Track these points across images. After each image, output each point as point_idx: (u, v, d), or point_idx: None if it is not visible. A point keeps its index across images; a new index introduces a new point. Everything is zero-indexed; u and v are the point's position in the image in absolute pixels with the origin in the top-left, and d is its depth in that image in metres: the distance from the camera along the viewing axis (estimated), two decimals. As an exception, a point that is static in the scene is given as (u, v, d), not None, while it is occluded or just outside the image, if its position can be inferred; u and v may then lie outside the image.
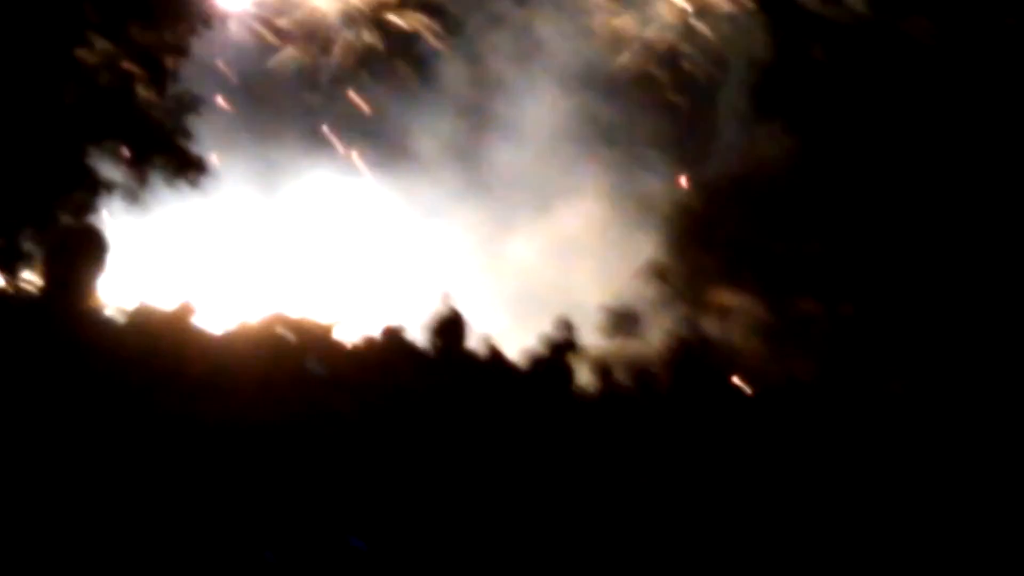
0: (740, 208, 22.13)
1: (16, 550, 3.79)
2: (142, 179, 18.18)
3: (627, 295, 38.60)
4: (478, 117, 41.37)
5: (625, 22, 41.34)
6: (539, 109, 40.01)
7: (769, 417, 12.98)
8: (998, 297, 14.66)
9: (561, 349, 15.17)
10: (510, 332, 16.41)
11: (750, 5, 15.49)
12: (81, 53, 17.47)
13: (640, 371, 14.37)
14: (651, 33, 41.98)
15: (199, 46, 19.51)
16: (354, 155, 40.37)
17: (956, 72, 14.57)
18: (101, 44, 17.52)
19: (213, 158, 19.74)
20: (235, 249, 22.99)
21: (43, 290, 4.26)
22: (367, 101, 42.23)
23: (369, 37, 41.49)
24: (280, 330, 12.43)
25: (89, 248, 4.33)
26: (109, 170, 18.25)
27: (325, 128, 41.08)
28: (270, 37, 40.38)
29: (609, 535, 8.82)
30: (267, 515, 6.47)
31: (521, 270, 36.77)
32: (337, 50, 41.97)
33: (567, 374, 15.07)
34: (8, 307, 4.37)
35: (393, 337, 14.69)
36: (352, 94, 41.43)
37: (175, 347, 11.70)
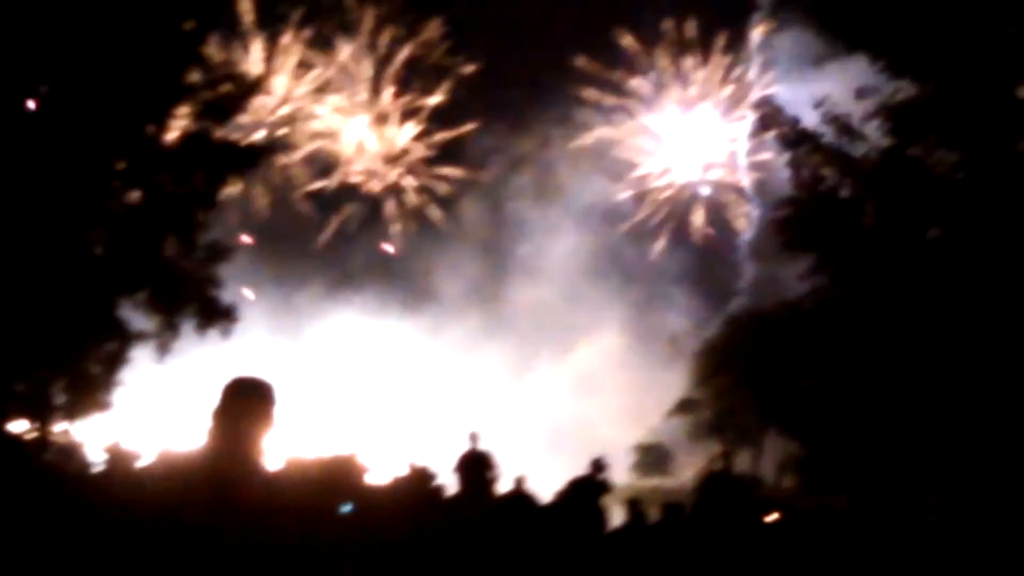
0: (768, 344, 22.21)
1: None
2: (172, 329, 18.32)
3: (658, 431, 38.49)
4: (501, 256, 42.04)
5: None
6: (561, 247, 40.57)
7: (801, 550, 12.82)
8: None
9: (593, 490, 15.01)
10: (537, 467, 16.29)
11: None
12: (111, 205, 17.84)
13: (670, 506, 14.19)
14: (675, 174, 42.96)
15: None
16: (376, 297, 41.04)
17: (984, 205, 14.66)
18: (131, 196, 17.88)
19: (243, 293, 19.90)
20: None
21: (214, 449, 4.17)
22: (390, 243, 43.06)
23: (394, 181, 42.69)
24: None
25: (261, 402, 4.27)
26: (139, 320, 18.42)
27: (348, 271, 41.86)
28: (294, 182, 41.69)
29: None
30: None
31: (546, 406, 36.78)
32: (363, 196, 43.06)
33: (599, 515, 14.92)
34: (179, 467, 4.30)
35: (420, 478, 14.63)
36: (373, 236, 42.38)
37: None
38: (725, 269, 42.53)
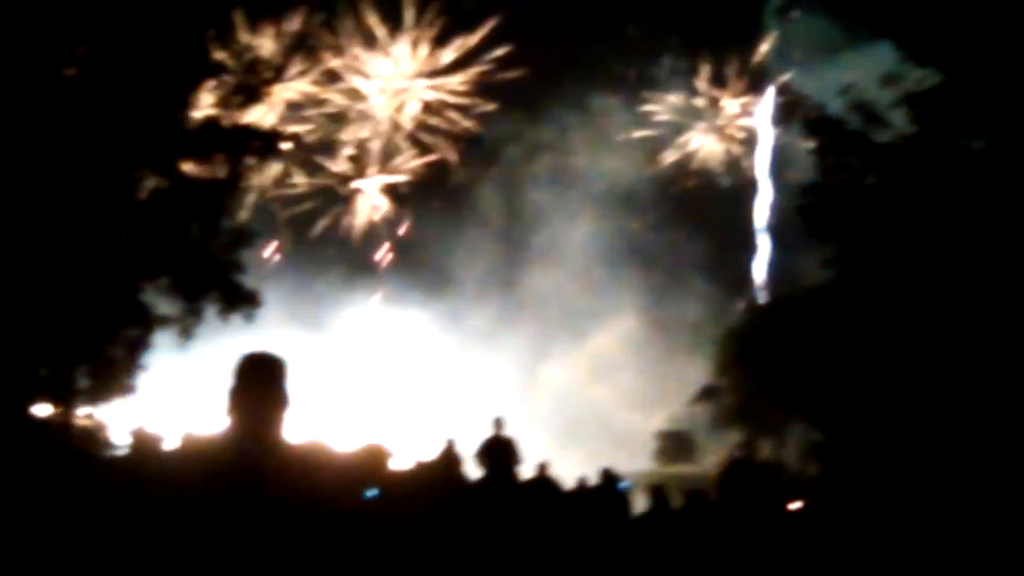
0: (791, 332, 22.07)
1: None
2: (196, 314, 18.32)
3: (681, 419, 38.47)
4: (518, 243, 42.00)
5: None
6: (578, 234, 40.50)
7: (824, 537, 12.80)
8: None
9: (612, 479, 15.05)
10: (554, 453, 16.29)
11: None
12: (135, 190, 17.86)
13: (693, 493, 14.19)
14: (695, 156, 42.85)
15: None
16: (393, 286, 41.08)
17: (1008, 193, 14.60)
18: (155, 181, 17.88)
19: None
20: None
21: (232, 430, 4.13)
22: (407, 232, 43.02)
23: (411, 169, 42.66)
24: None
25: (272, 379, 4.21)
26: (162, 305, 18.42)
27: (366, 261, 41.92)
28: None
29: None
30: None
31: (563, 392, 36.78)
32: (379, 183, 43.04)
33: (623, 501, 14.95)
34: (202, 450, 4.24)
35: (448, 463, 14.64)
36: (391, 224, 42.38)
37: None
38: (742, 256, 42.48)
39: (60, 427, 17.17)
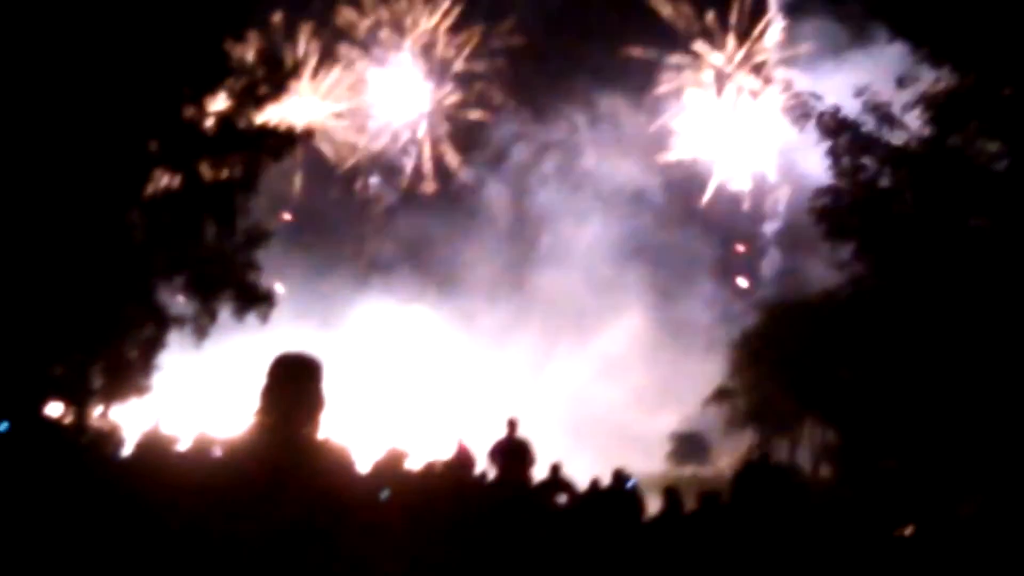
0: (805, 333, 22.04)
1: None
2: (210, 313, 18.34)
3: (694, 420, 38.46)
4: (527, 243, 42.01)
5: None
6: (587, 234, 40.50)
7: (837, 539, 12.78)
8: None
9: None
10: (563, 453, 16.29)
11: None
12: (149, 190, 17.87)
13: (707, 495, 14.16)
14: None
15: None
16: (406, 285, 41.02)
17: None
18: (169, 181, 17.89)
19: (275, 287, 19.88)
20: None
21: (263, 429, 4.09)
22: (418, 232, 42.98)
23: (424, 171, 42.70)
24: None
25: (309, 380, 4.19)
26: (177, 304, 18.44)
27: (376, 259, 41.89)
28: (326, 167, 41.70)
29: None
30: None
31: (572, 393, 36.78)
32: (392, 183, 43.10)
33: (636, 504, 14.95)
34: (227, 450, 4.20)
35: (462, 462, 14.68)
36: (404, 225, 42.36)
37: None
38: (750, 257, 42.48)
39: (74, 427, 17.19)
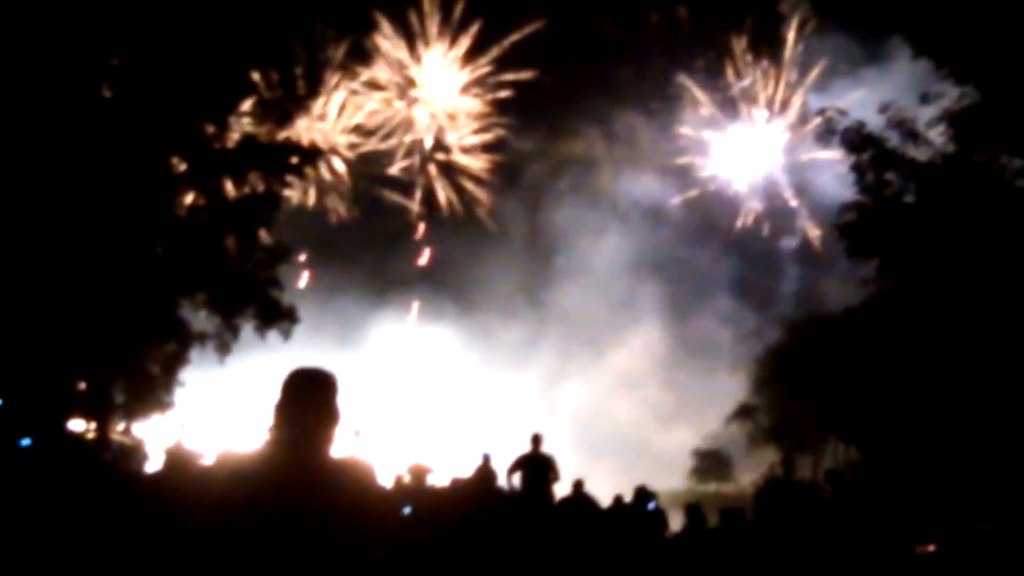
0: (828, 350, 21.99)
1: None
2: (233, 329, 18.38)
3: (717, 437, 38.37)
4: (544, 260, 42.03)
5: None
6: (604, 251, 40.48)
7: (859, 556, 12.72)
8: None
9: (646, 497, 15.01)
10: (581, 470, 16.24)
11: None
12: (172, 206, 17.95)
13: (729, 511, 14.10)
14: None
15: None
16: (421, 305, 41.10)
17: None
18: (193, 198, 17.98)
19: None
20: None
21: (278, 445, 4.07)
22: (433, 252, 43.06)
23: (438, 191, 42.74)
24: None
25: (324, 394, 4.15)
26: (199, 320, 18.49)
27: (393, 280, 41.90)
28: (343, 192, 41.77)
29: None
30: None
31: (589, 408, 36.74)
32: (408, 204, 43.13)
33: (659, 520, 14.90)
34: (242, 466, 4.16)
35: (484, 477, 14.65)
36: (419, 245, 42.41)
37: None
38: (769, 274, 42.31)
39: (96, 442, 17.23)
